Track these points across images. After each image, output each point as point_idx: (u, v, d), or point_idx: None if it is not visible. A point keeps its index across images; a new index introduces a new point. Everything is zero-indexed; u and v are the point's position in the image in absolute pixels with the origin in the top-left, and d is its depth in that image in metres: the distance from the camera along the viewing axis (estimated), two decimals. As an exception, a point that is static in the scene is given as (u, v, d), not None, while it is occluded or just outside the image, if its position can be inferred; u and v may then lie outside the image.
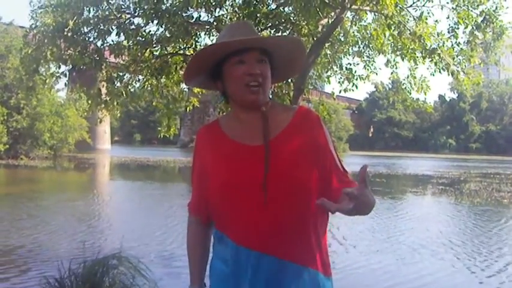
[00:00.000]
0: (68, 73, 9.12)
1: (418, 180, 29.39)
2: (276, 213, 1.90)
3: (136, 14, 7.97)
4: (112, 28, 7.95)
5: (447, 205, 17.36)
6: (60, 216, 12.01)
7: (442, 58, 7.87)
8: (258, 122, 2.00)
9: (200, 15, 8.09)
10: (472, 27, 7.83)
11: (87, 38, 8.09)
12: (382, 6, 6.85)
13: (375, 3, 7.13)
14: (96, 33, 8.03)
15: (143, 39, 7.97)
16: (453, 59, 8.09)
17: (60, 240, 9.15)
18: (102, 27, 7.93)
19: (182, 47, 8.37)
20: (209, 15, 8.12)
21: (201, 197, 2.11)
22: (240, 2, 7.95)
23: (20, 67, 9.42)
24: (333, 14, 7.53)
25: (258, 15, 7.33)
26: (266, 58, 2.02)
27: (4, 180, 23.33)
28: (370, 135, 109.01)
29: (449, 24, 8.12)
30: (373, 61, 9.27)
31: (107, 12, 7.97)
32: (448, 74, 7.96)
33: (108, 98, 8.71)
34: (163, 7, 7.37)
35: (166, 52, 8.43)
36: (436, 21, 8.37)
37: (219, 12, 8.21)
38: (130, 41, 8.00)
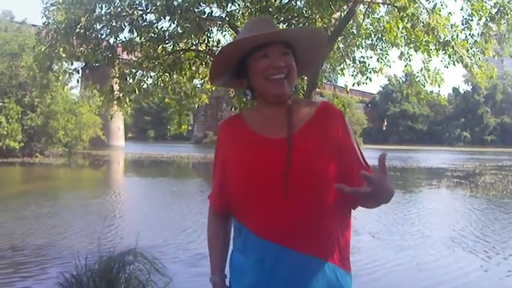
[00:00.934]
0: (81, 70, 9.16)
1: (433, 174, 29.25)
2: (297, 207, 1.91)
3: (148, 10, 7.97)
4: (124, 25, 7.96)
5: (466, 198, 17.21)
6: (76, 213, 12.07)
7: (455, 50, 7.82)
8: (282, 115, 2.01)
9: (212, 11, 8.08)
10: (486, 19, 7.76)
11: (99, 35, 8.11)
12: (395, -2, 6.81)
13: (387, -5, 7.09)
14: (108, 30, 8.04)
15: (155, 35, 7.96)
16: (467, 51, 8.04)
17: (77, 237, 9.20)
18: (114, 24, 7.94)
19: (194, 43, 8.37)
20: (221, 10, 8.10)
21: (222, 189, 2.11)
22: (252, -4, 7.92)
23: (33, 65, 9.45)
24: (345, 7, 7.49)
25: (271, 9, 7.29)
26: (289, 51, 2.02)
27: (19, 178, 23.52)
28: (384, 128, 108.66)
29: (463, 16, 8.06)
30: (387, 54, 9.22)
31: (119, 9, 7.98)
32: (462, 66, 7.91)
33: (120, 95, 8.74)
34: (175, 3, 7.36)
35: (178, 48, 8.42)
36: (450, 13, 8.30)
37: (231, 7, 8.20)
38: (143, 38, 8.01)
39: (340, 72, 9.22)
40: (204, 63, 8.55)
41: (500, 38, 7.97)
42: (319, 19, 7.55)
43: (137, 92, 8.64)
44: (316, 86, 7.25)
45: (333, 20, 7.73)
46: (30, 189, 17.79)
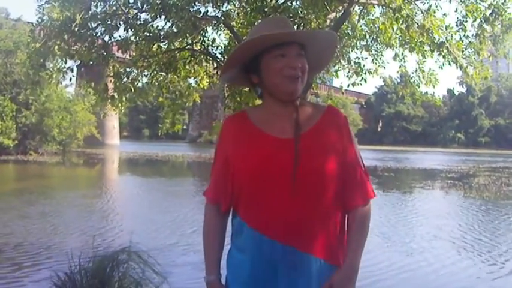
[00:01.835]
0: (76, 68, 9.13)
1: (427, 175, 29.31)
2: (302, 207, 1.94)
3: (143, 9, 7.94)
4: (119, 23, 7.92)
5: (460, 200, 17.25)
6: (70, 212, 12.06)
7: (450, 51, 7.83)
8: (289, 115, 2.04)
9: (208, 10, 8.04)
10: (481, 20, 7.76)
11: (94, 33, 8.08)
12: (390, -1, 6.82)
13: (382, -4, 7.10)
14: (103, 29, 8.00)
15: (150, 34, 7.94)
16: (462, 52, 8.04)
17: (70, 236, 9.19)
18: (109, 22, 7.91)
19: (190, 42, 8.35)
20: (217, 9, 8.09)
21: (222, 186, 2.11)
22: (248, -5, 7.91)
23: (26, 61, 9.42)
24: (340, 8, 7.50)
25: (266, 9, 7.29)
26: (303, 52, 2.04)
27: (14, 176, 23.46)
28: (379, 129, 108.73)
29: (458, 17, 8.06)
30: (381, 55, 9.22)
31: (114, 8, 7.95)
32: (457, 67, 7.93)
33: (114, 94, 8.72)
34: (171, 2, 7.34)
35: (173, 47, 8.41)
36: (445, 14, 8.30)
37: (226, 6, 8.19)
38: (138, 36, 7.99)
39: (334, 74, 9.21)
40: (198, 62, 8.55)
41: (494, 39, 7.98)
42: (314, 19, 7.56)
43: (132, 91, 8.62)
44: (311, 87, 7.25)
45: (328, 21, 7.73)
46: (24, 187, 17.74)
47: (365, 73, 9.12)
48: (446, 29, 8.07)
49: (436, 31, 7.78)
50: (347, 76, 9.23)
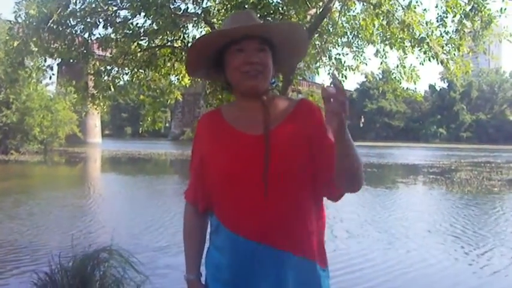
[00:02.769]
0: (56, 66, 9.06)
1: (409, 170, 29.50)
2: (276, 204, 1.90)
3: (123, 6, 7.90)
4: (99, 21, 7.87)
5: (443, 194, 17.40)
6: (51, 211, 11.96)
7: (431, 47, 7.88)
8: (258, 111, 2.00)
9: (188, 7, 8.02)
10: (461, 16, 7.81)
11: (74, 31, 8.01)
12: (370, -5, 6.84)
13: (363, -8, 7.12)
14: (83, 26, 7.94)
15: (130, 31, 7.90)
16: (442, 47, 8.09)
17: (51, 235, 9.11)
18: (89, 19, 7.85)
19: (170, 39, 8.32)
20: (197, 6, 8.08)
21: (199, 185, 2.09)
22: (228, -8, 7.89)
23: (4, 59, 9.33)
24: (321, 3, 7.51)
25: (246, 6, 7.28)
26: (267, 47, 2.00)
27: (-6, 176, 23.22)
28: (361, 125, 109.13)
29: (438, 13, 8.11)
30: (363, 51, 9.29)
31: (93, 5, 7.90)
32: (438, 63, 7.98)
33: (95, 92, 8.66)
34: (150, -1, 7.31)
35: (154, 45, 8.38)
36: (425, 10, 8.36)
37: (206, 3, 8.18)
38: (118, 34, 7.94)
39: (315, 71, 9.23)
40: (179, 59, 8.52)
41: (474, 35, 8.04)
42: (295, 15, 7.56)
43: (112, 89, 8.57)
44: (291, 83, 7.25)
45: (308, 17, 7.74)
46: (4, 187, 17.56)
47: (346, 69, 9.16)
48: (427, 25, 8.13)
49: (416, 27, 7.82)
50: (328, 73, 9.26)
